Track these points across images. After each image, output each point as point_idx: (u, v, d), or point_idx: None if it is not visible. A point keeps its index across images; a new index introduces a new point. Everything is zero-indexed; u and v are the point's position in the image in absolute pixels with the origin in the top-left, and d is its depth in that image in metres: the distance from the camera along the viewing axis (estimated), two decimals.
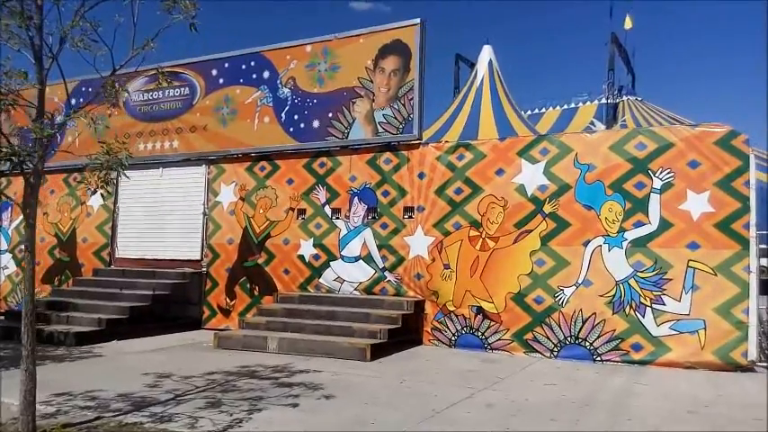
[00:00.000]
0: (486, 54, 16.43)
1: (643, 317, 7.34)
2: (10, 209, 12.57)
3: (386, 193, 9.04)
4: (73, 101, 11.91)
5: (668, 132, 7.51)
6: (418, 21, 8.79)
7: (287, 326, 8.32)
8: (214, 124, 10.40)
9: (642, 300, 7.36)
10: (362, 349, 7.34)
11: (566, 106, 30.82)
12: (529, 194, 8.09)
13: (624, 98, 31.01)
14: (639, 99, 30.43)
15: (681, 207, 7.28)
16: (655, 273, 7.33)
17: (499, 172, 8.31)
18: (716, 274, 7.08)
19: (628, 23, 30.13)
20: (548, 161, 8.03)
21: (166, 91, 10.93)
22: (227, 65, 10.37)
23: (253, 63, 10.11)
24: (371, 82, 9.11)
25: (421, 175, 8.81)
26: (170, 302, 10.46)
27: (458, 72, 25.72)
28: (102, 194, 5.92)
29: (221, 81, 10.40)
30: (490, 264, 8.23)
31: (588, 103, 31.67)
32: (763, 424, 4.75)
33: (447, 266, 8.52)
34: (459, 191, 8.53)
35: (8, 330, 8.90)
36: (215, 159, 10.45)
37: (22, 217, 12.26)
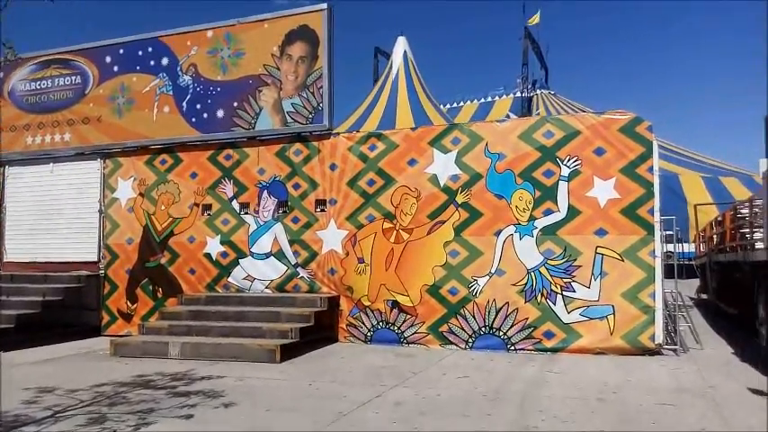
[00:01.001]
0: (401, 46, 16.30)
1: (554, 304, 7.36)
2: None
3: (297, 186, 8.66)
4: None
5: (575, 120, 7.56)
6: (325, 6, 8.44)
7: (191, 329, 7.80)
8: (109, 115, 9.64)
9: (553, 287, 7.38)
10: (272, 350, 6.96)
11: (483, 100, 31.45)
12: (441, 185, 7.94)
13: (538, 92, 31.98)
14: (552, 92, 31.45)
15: (588, 194, 7.34)
16: (564, 260, 7.36)
17: (412, 162, 8.11)
18: (623, 260, 7.18)
19: (535, 19, 31.04)
20: (459, 150, 7.90)
21: (56, 79, 10.04)
22: (122, 51, 9.62)
23: (150, 49, 9.42)
24: (278, 69, 8.68)
25: (333, 167, 8.49)
26: (64, 308, 9.63)
27: (377, 65, 25.61)
28: None
29: (116, 69, 9.64)
30: (405, 256, 8.04)
31: (504, 96, 32.45)
32: (669, 408, 4.77)
33: (361, 260, 8.25)
34: (371, 182, 8.27)
35: None
36: (111, 153, 9.69)
37: None
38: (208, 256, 9.02)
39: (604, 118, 7.39)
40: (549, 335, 7.33)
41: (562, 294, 7.34)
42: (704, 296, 12.39)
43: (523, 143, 7.64)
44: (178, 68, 9.24)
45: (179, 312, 8.39)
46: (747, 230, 7.78)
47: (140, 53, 9.48)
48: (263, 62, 8.75)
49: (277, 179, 8.75)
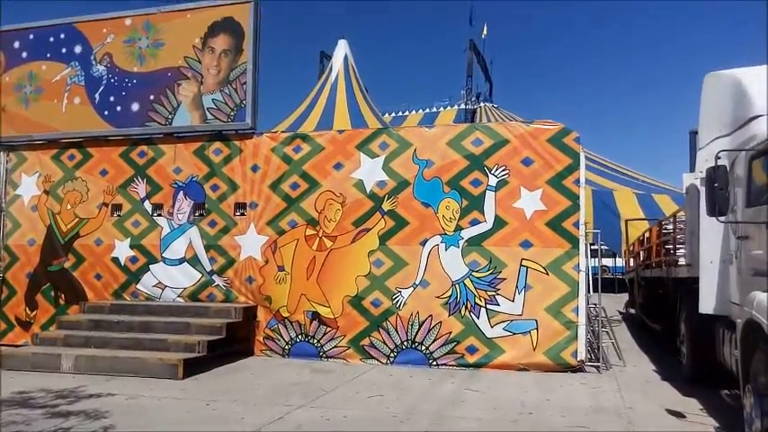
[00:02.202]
0: (342, 49, 15.92)
1: (478, 318, 7.11)
2: None
3: (215, 188, 8.13)
4: None
5: (504, 129, 7.37)
6: None
7: (89, 341, 7.15)
8: (15, 105, 8.87)
9: (477, 300, 7.13)
10: (174, 365, 6.41)
11: (428, 110, 31.50)
12: (368, 190, 7.60)
13: (482, 104, 32.31)
14: (495, 106, 31.82)
15: (515, 205, 7.14)
16: (489, 272, 7.13)
17: (338, 166, 7.74)
18: (547, 273, 7.01)
19: (484, 32, 31.46)
20: (387, 156, 7.59)
21: None
22: (32, 36, 8.89)
23: (63, 36, 8.73)
24: (199, 63, 8.17)
25: (254, 168, 8.02)
26: None
27: (322, 70, 25.17)
28: None
29: (25, 55, 8.89)
30: (327, 265, 7.63)
31: (449, 107, 32.62)
32: (582, 431, 4.54)
33: (281, 268, 7.80)
34: (295, 186, 7.84)
35: None
36: (15, 146, 8.91)
37: None
38: (116, 260, 8.36)
39: (533, 128, 7.22)
40: (471, 350, 7.07)
41: (486, 308, 7.10)
42: (632, 311, 12.50)
43: (452, 150, 7.39)
44: (92, 57, 8.58)
45: (79, 321, 7.71)
46: (671, 246, 7.77)
47: (52, 39, 8.77)
48: (183, 54, 8.21)
49: (194, 179, 8.20)
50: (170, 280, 8.18)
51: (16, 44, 8.91)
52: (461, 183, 7.31)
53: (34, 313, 8.63)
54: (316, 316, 7.60)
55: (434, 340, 7.20)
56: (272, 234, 7.86)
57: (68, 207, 8.62)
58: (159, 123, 8.28)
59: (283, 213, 7.83)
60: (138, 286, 8.28)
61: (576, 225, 7.02)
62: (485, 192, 7.24)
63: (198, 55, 8.17)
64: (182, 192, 8.23)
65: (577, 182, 7.04)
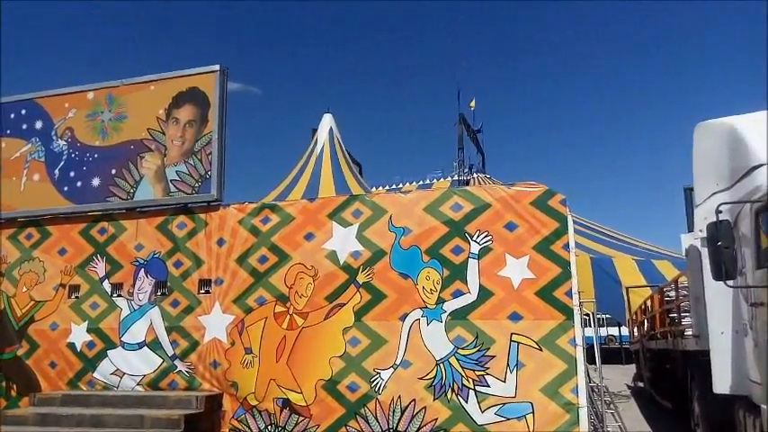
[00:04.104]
0: (327, 122, 15.91)
1: (466, 402, 6.34)
2: None
3: (178, 264, 7.55)
4: None
5: (483, 192, 6.87)
6: (217, 67, 7.70)
7: None
8: None
9: (465, 381, 6.39)
10: None
11: (421, 182, 31.55)
12: (341, 262, 7.01)
13: (475, 175, 32.34)
14: (488, 176, 31.83)
15: (500, 273, 6.53)
16: (476, 349, 6.43)
17: (308, 236, 7.19)
18: (541, 349, 6.30)
19: (472, 104, 32.08)
20: (361, 224, 7.05)
21: None
22: None
23: (24, 111, 8.40)
24: (163, 134, 7.78)
25: (220, 242, 7.46)
26: None
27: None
28: None
29: None
30: (298, 345, 6.93)
31: (442, 179, 32.71)
32: None
33: (249, 350, 7.09)
34: (263, 259, 7.26)
35: None
36: None
37: None
38: (71, 346, 7.66)
39: (515, 190, 6.72)
40: None
41: (475, 390, 6.35)
42: (641, 384, 11.62)
43: (430, 216, 6.86)
44: (53, 132, 8.22)
45: (25, 416, 6.92)
46: (675, 315, 7.10)
47: (12, 115, 8.43)
48: (147, 126, 7.85)
49: (156, 256, 7.63)
50: (128, 366, 7.45)
51: None
52: (441, 251, 6.74)
53: None
54: (287, 404, 6.83)
55: (419, 428, 6.39)
56: (238, 313, 7.20)
57: (24, 290, 8.01)
58: (121, 198, 7.80)
59: (251, 289, 7.20)
60: (95, 374, 7.54)
61: (570, 294, 6.39)
62: (467, 260, 6.66)
63: (162, 126, 7.80)
64: (143, 270, 7.64)
65: (567, 247, 6.47)
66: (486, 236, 6.64)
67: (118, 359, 7.49)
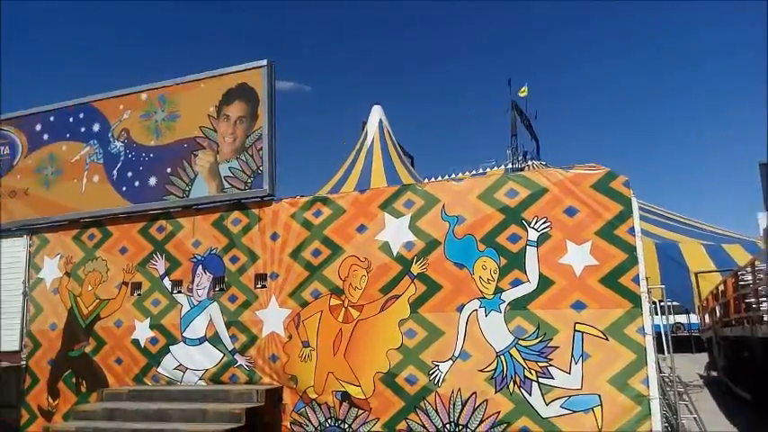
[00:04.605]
0: (376, 114, 15.77)
1: (529, 394, 6.12)
2: None
3: (234, 259, 7.61)
4: None
5: (540, 176, 6.58)
6: (265, 62, 7.69)
7: None
8: (36, 187, 8.75)
9: (527, 373, 6.17)
10: None
11: (474, 171, 31.12)
12: (394, 253, 6.89)
13: (529, 162, 31.61)
14: (543, 163, 31.06)
15: (561, 261, 6.26)
16: (538, 340, 6.19)
17: (361, 228, 7.10)
18: (607, 339, 6.01)
19: (524, 92, 31.23)
20: (413, 214, 6.91)
21: None
22: (52, 118, 8.84)
23: (82, 115, 8.64)
24: (215, 131, 7.84)
25: (274, 237, 7.47)
26: None
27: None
28: None
29: (46, 137, 8.83)
30: (355, 338, 6.87)
31: (496, 167, 32.14)
32: None
33: (306, 344, 7.08)
34: (317, 252, 7.23)
35: None
36: (37, 228, 8.72)
37: None
38: (136, 342, 7.86)
39: (574, 173, 6.42)
40: None
41: (538, 382, 6.12)
42: (714, 373, 11.04)
43: (484, 204, 6.64)
44: (110, 135, 8.42)
45: (94, 411, 7.13)
46: (753, 300, 6.64)
47: (71, 120, 8.70)
48: (199, 124, 7.92)
49: (213, 252, 7.72)
50: (191, 361, 7.58)
51: (38, 127, 8.89)
52: (498, 239, 6.52)
53: (56, 402, 8.15)
54: (345, 397, 6.79)
55: (481, 422, 6.23)
56: (294, 306, 7.20)
57: (89, 288, 8.27)
58: (177, 196, 7.92)
59: (306, 283, 7.19)
60: (159, 369, 7.72)
61: (636, 280, 6.06)
62: (525, 248, 6.41)
63: (213, 124, 7.86)
64: (201, 266, 7.75)
65: (632, 231, 6.13)
66: (544, 222, 6.38)
67: (180, 354, 7.63)
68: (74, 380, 8.11)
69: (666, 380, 6.77)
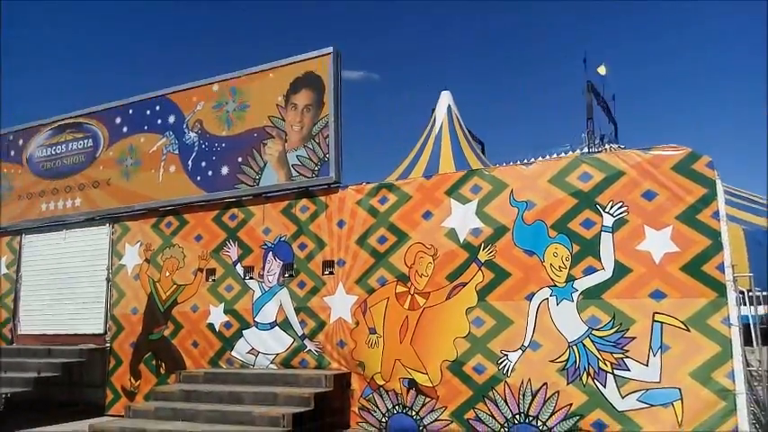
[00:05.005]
0: (445, 100, 15.56)
1: (604, 386, 5.88)
2: None
3: (303, 246, 7.71)
4: None
5: (616, 159, 6.26)
6: (331, 49, 7.70)
7: (178, 413, 6.80)
8: (117, 178, 9.18)
9: (601, 365, 5.92)
10: None
11: (547, 157, 30.15)
12: (461, 240, 6.77)
13: (606, 147, 30.30)
14: (622, 146, 29.67)
15: (639, 247, 5.94)
16: (614, 330, 5.92)
17: (426, 215, 7.01)
18: (689, 330, 5.67)
19: (602, 70, 29.77)
20: (480, 200, 6.75)
21: (70, 144, 9.78)
22: (131, 111, 9.24)
23: (158, 108, 8.98)
24: (283, 120, 7.94)
25: (341, 224, 7.51)
26: (67, 385, 8.98)
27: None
28: None
29: (125, 129, 9.25)
30: (421, 325, 6.82)
31: (570, 152, 31.01)
32: None
33: (373, 330, 7.10)
34: (383, 239, 7.21)
35: None
36: (119, 217, 9.16)
37: None
38: (211, 326, 8.14)
39: (652, 155, 6.05)
40: (599, 425, 5.83)
41: (614, 374, 5.86)
42: None
43: (556, 188, 6.40)
44: (184, 126, 8.71)
45: (171, 392, 7.45)
46: None
47: (148, 112, 9.06)
48: (267, 114, 8.05)
49: (282, 239, 7.85)
50: (263, 345, 7.77)
51: (117, 120, 9.31)
52: (570, 225, 6.26)
53: (138, 383, 8.58)
54: (413, 384, 6.76)
55: (552, 414, 6.05)
56: (361, 293, 7.23)
57: (167, 274, 8.62)
58: (247, 185, 8.10)
59: (372, 270, 7.19)
60: (233, 353, 7.96)
61: (721, 268, 5.67)
62: (599, 233, 6.13)
63: (281, 113, 7.96)
64: (271, 253, 7.90)
65: (716, 215, 5.73)
66: (620, 207, 6.07)
67: (253, 338, 7.84)
68: (154, 362, 8.50)
69: (754, 374, 6.32)
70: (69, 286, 9.43)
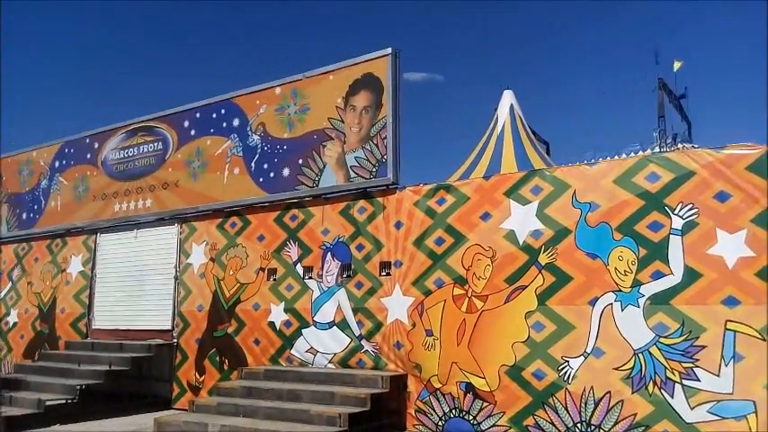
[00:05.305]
0: (507, 99, 15.31)
1: (672, 397, 5.60)
2: None
3: (360, 247, 7.76)
4: (57, 163, 11.46)
5: (686, 158, 5.95)
6: (389, 51, 7.71)
7: (238, 409, 6.98)
8: (185, 179, 9.53)
9: (669, 374, 5.64)
10: None
11: (616, 157, 29.12)
12: (520, 242, 6.62)
13: (679, 146, 29.00)
14: (695, 146, 28.30)
15: (710, 251, 5.63)
16: (683, 338, 5.63)
17: (485, 216, 6.90)
18: (764, 339, 5.33)
19: (677, 66, 28.44)
20: (541, 201, 6.58)
21: (141, 147, 10.23)
22: (198, 115, 9.58)
23: (223, 111, 9.26)
24: (342, 122, 8.02)
25: (398, 225, 7.50)
26: (137, 379, 9.38)
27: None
28: None
29: (193, 132, 9.59)
30: (479, 329, 6.72)
31: (641, 152, 29.84)
32: None
33: (429, 333, 7.05)
34: (440, 241, 7.15)
35: None
36: (186, 217, 9.51)
37: (9, 287, 11.72)
38: (272, 324, 8.30)
39: (726, 154, 5.72)
40: None
41: (682, 384, 5.58)
42: None
43: (621, 189, 6.15)
44: (248, 128, 8.94)
45: (233, 388, 7.65)
46: None
47: (214, 115, 9.35)
48: (327, 115, 8.15)
49: (340, 240, 7.92)
50: (321, 345, 7.87)
51: (186, 123, 9.67)
52: (636, 227, 6.01)
53: (202, 378, 8.85)
54: (470, 388, 6.67)
55: (616, 423, 5.82)
56: (417, 295, 7.19)
57: (231, 273, 8.86)
58: (307, 186, 8.23)
59: (429, 272, 7.14)
60: (293, 351, 8.10)
61: None
62: (668, 237, 5.85)
63: (340, 115, 8.05)
64: (329, 253, 7.99)
65: None
66: (690, 208, 5.78)
67: (311, 338, 7.94)
68: (218, 358, 8.75)
69: None
70: (140, 283, 9.86)
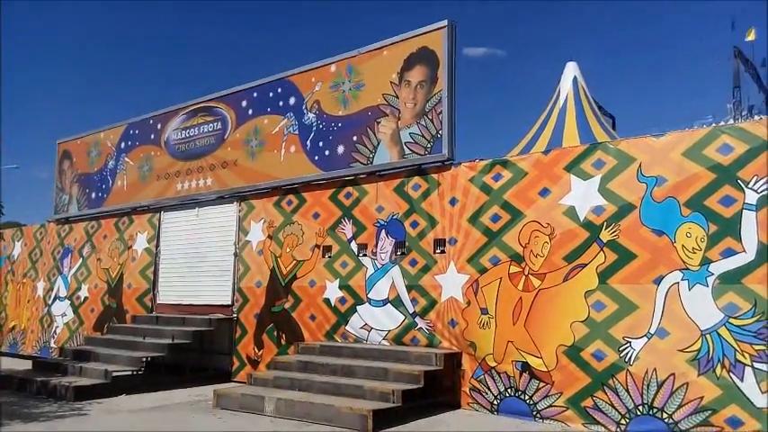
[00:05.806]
0: (571, 71, 14.75)
1: (741, 380, 5.30)
2: (70, 255, 12.61)
3: (414, 224, 7.68)
4: (122, 144, 11.86)
5: (762, 128, 5.55)
6: (445, 23, 7.53)
7: (294, 383, 7.09)
8: (243, 158, 9.69)
9: (739, 356, 5.34)
10: (363, 416, 5.92)
11: (686, 131, 27.73)
12: (581, 219, 6.38)
13: (756, 118, 27.33)
14: None
15: None
16: (755, 318, 5.31)
17: (543, 192, 6.68)
18: None
19: (751, 35, 26.83)
20: (603, 176, 6.31)
21: (201, 127, 10.45)
22: (255, 94, 9.69)
23: (279, 90, 9.33)
24: (397, 98, 7.93)
25: (453, 202, 7.38)
26: (198, 352, 9.68)
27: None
28: None
29: (250, 112, 9.71)
30: (536, 307, 6.55)
31: (714, 125, 28.23)
32: None
33: (484, 311, 6.93)
34: (496, 218, 6.99)
35: (22, 382, 8.50)
36: (244, 195, 9.68)
37: (80, 263, 12.31)
38: (327, 301, 8.37)
39: None
40: (734, 422, 5.28)
41: (753, 367, 5.27)
42: None
43: (690, 162, 5.82)
44: (303, 107, 8.97)
45: (290, 363, 7.78)
46: None
47: (271, 94, 9.43)
48: (382, 91, 8.07)
49: (395, 217, 7.87)
50: (375, 322, 7.88)
51: (243, 103, 9.80)
52: (706, 202, 5.68)
53: (261, 352, 9.05)
54: (526, 367, 6.53)
55: (680, 407, 5.56)
56: (472, 272, 7.07)
57: (287, 250, 8.98)
58: (362, 163, 8.20)
59: (484, 249, 7.00)
60: (347, 327, 8.15)
61: None
62: (741, 212, 5.50)
63: (395, 90, 7.95)
64: (384, 230, 7.96)
65: None
66: (766, 182, 5.40)
67: (366, 314, 7.96)
68: (275, 333, 8.91)
69: None
70: (201, 260, 10.14)
